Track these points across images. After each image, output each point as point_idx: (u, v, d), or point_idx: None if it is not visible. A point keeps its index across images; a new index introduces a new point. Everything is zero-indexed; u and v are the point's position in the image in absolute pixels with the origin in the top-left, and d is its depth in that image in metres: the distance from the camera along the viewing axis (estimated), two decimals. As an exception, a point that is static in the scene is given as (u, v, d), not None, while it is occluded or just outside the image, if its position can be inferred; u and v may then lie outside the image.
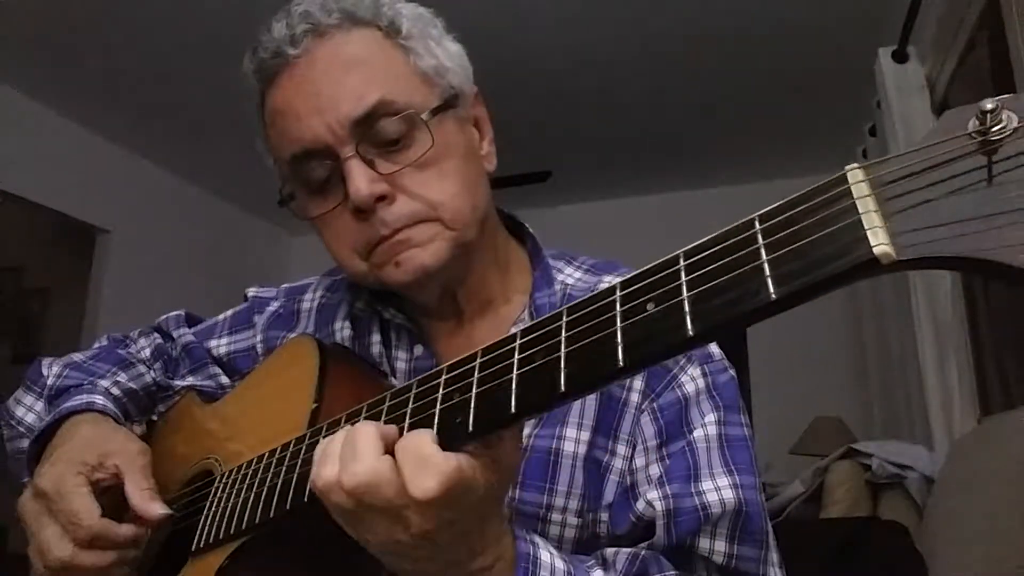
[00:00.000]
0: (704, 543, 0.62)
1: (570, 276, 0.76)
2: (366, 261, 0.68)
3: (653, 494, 0.64)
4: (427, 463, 0.43)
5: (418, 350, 0.75)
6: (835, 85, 3.06)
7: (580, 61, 3.00)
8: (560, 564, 0.54)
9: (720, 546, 0.62)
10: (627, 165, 3.99)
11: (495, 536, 0.50)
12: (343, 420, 0.55)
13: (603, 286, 0.71)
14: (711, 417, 0.67)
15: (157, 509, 0.65)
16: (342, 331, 0.79)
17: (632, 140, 3.70)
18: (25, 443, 0.76)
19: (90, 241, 3.69)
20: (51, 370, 0.82)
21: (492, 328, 0.74)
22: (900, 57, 2.46)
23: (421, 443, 0.44)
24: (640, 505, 0.64)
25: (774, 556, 0.65)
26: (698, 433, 0.66)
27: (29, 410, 0.81)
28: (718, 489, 0.63)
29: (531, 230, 0.80)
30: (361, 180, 0.63)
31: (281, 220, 4.72)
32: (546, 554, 0.54)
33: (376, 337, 0.77)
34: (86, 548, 0.63)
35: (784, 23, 2.71)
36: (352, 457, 0.45)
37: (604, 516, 0.67)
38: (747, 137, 3.63)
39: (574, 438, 0.67)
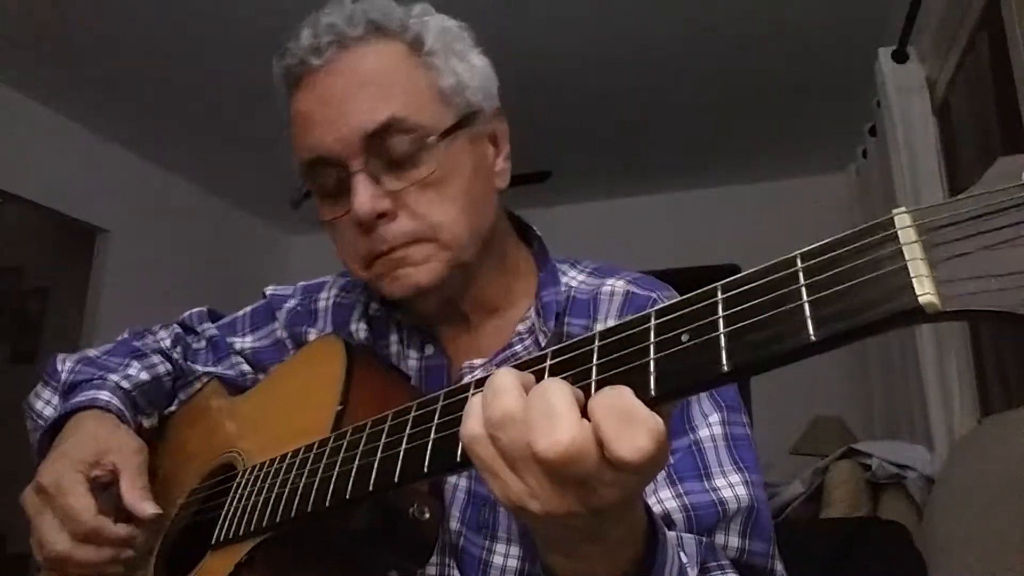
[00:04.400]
0: (719, 538, 0.64)
1: (574, 279, 0.78)
2: (367, 270, 0.70)
3: (665, 492, 0.64)
4: (633, 419, 0.37)
5: (428, 349, 0.78)
6: (835, 85, 3.06)
7: (580, 61, 3.00)
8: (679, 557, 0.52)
9: (734, 541, 0.64)
10: (627, 165, 3.99)
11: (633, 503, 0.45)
12: (368, 426, 0.55)
13: (606, 289, 0.75)
14: (715, 417, 0.68)
15: (148, 508, 0.68)
16: (359, 332, 0.81)
17: (632, 140, 3.70)
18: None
19: (90, 241, 3.68)
20: (65, 365, 0.85)
21: (499, 329, 0.76)
22: (900, 57, 2.46)
23: (624, 397, 0.37)
24: (650, 501, 0.64)
25: (777, 551, 0.67)
26: (704, 433, 0.67)
27: (47, 404, 0.84)
28: (731, 486, 0.65)
29: (538, 232, 0.82)
30: (364, 196, 0.65)
31: (281, 220, 4.71)
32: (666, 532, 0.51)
33: (394, 337, 0.80)
34: (82, 543, 0.65)
35: (784, 23, 2.71)
36: (549, 422, 0.37)
37: None
38: (747, 137, 3.63)
39: None
